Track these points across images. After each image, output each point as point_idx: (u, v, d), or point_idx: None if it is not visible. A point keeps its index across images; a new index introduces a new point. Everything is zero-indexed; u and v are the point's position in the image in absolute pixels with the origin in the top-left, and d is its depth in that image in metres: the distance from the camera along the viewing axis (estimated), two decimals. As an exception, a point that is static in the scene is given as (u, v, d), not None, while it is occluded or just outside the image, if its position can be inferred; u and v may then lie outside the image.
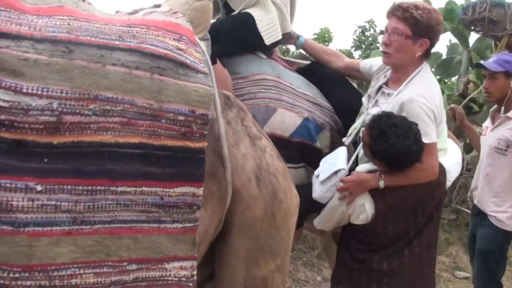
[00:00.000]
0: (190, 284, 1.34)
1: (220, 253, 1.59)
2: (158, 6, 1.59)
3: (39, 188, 1.10)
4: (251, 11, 2.33)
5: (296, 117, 2.29)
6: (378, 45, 12.77)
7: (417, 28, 2.08)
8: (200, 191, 1.34)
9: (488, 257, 2.83)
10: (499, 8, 3.49)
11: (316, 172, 2.19)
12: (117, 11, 1.69)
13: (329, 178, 2.10)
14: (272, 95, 2.29)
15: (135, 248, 1.24)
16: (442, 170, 2.16)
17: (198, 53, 1.37)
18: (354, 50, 12.54)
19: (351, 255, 2.22)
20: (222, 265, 1.59)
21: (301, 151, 2.30)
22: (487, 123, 3.10)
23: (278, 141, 2.13)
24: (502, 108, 2.88)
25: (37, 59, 1.11)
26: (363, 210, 2.11)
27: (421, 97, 2.02)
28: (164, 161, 1.28)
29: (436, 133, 2.09)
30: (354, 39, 12.81)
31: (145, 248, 1.26)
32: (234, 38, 2.28)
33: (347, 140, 2.28)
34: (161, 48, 1.28)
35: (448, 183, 2.27)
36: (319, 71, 2.55)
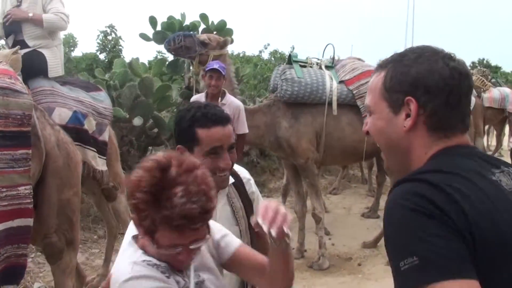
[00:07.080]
0: (30, 196, 2.56)
1: (42, 188, 2.79)
2: (-13, 58, 2.78)
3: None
4: (44, 51, 3.52)
5: (68, 111, 3.48)
6: (120, 47, 14.01)
7: None
8: (30, 151, 2.57)
9: None
10: (189, 37, 4.88)
11: None
12: None
13: None
14: (50, 99, 3.43)
15: (4, 180, 2.45)
16: None
17: (21, 84, 2.65)
18: (100, 53, 13.60)
19: None
20: (44, 195, 2.80)
21: (75, 133, 3.45)
22: None
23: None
24: (220, 98, 4.55)
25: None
26: None
27: None
28: (12, 138, 2.49)
29: None
30: (98, 43, 13.82)
31: (8, 180, 2.47)
32: (34, 70, 3.43)
33: None
34: (3, 83, 2.52)
35: None
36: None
